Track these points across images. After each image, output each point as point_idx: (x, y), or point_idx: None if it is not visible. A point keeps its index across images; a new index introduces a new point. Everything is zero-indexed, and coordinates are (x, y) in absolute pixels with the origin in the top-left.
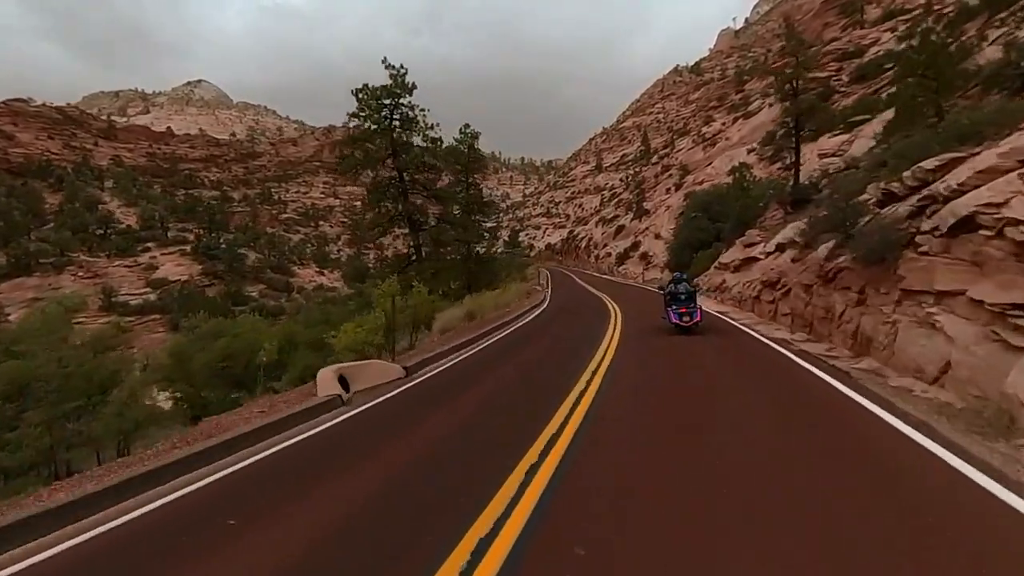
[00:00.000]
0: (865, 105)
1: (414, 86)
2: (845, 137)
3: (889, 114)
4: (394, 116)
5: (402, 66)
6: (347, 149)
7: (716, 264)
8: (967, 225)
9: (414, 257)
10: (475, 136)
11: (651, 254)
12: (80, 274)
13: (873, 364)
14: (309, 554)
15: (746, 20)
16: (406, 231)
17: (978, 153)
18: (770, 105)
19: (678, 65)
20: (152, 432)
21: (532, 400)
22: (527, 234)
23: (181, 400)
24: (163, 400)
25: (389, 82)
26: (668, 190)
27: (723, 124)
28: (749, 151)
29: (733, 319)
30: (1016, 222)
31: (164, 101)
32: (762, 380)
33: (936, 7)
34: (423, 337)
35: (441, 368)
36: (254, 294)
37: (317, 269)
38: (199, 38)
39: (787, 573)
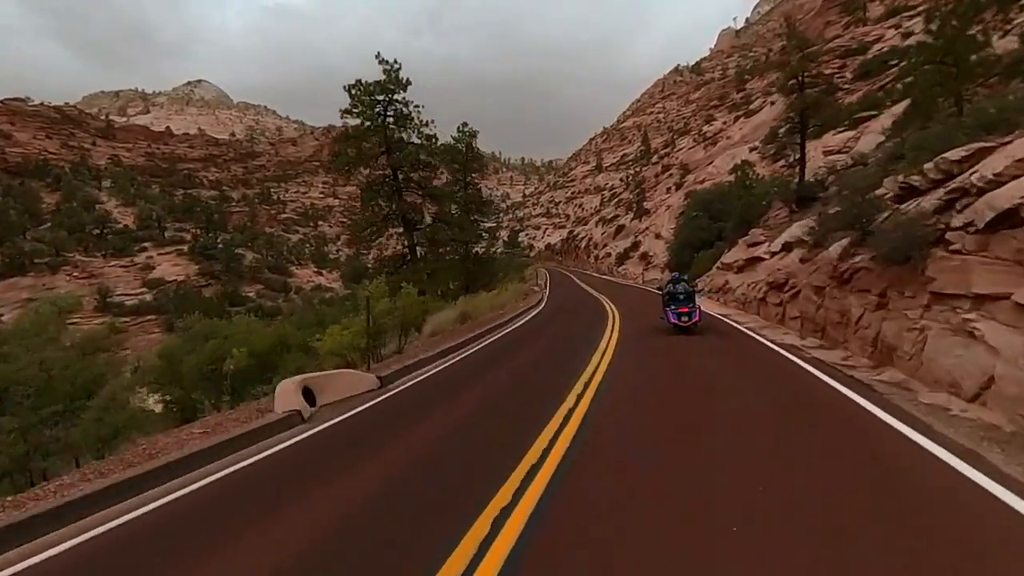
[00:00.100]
0: (871, 101)
1: (408, 82)
2: (851, 133)
3: (899, 109)
4: (388, 113)
5: (396, 61)
6: (340, 146)
7: (718, 264)
8: (1009, 219)
9: (409, 257)
10: (473, 135)
11: (651, 254)
12: (75, 274)
13: (897, 376)
14: None
15: (747, 20)
16: (401, 230)
17: (1009, 142)
18: (772, 103)
19: (679, 65)
20: (135, 437)
21: (517, 416)
22: (527, 234)
23: (171, 403)
24: (154, 403)
25: (383, 78)
26: (668, 189)
27: (724, 123)
28: (751, 149)
29: (737, 322)
30: None
31: (164, 101)
32: (773, 395)
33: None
34: (413, 340)
35: (422, 377)
36: (251, 294)
37: (315, 269)
38: (200, 38)
39: None
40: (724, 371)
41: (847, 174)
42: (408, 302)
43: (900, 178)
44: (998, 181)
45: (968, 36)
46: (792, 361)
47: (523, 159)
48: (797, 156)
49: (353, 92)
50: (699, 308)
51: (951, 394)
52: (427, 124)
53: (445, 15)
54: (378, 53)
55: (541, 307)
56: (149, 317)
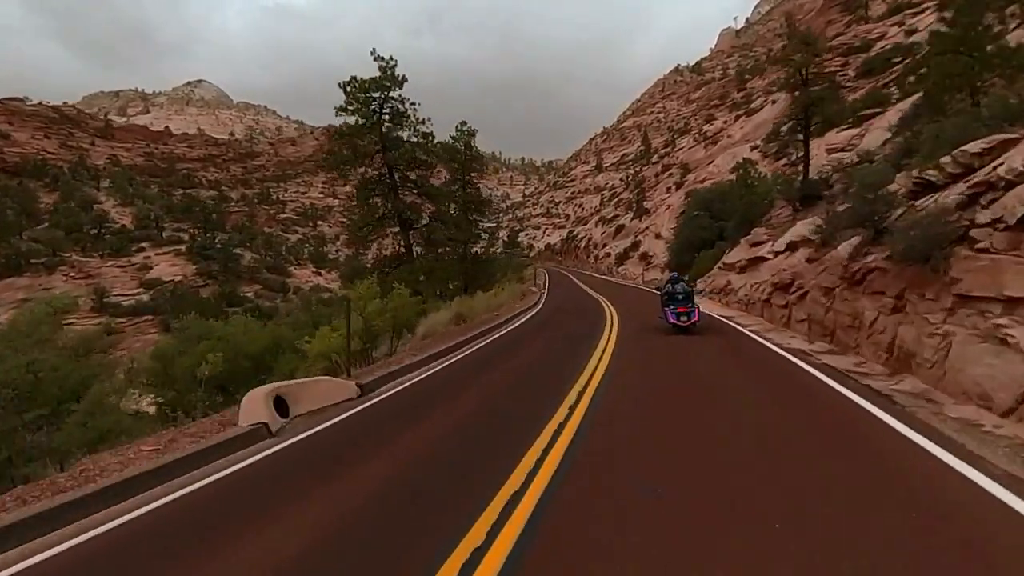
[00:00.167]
0: (876, 98)
1: (404, 79)
2: (855, 131)
3: (906, 105)
4: (383, 110)
5: (391, 58)
6: (334, 144)
7: (720, 264)
8: None
9: (405, 257)
10: (471, 133)
11: (651, 254)
12: (72, 274)
13: (918, 385)
14: None
15: (747, 20)
16: (397, 230)
17: None
18: (773, 102)
19: (679, 65)
20: (123, 440)
21: (500, 434)
22: (527, 234)
23: (164, 405)
24: (147, 405)
25: (378, 74)
26: (669, 189)
27: (725, 122)
28: (752, 148)
29: (741, 325)
30: None
31: (164, 101)
32: (782, 407)
33: None
34: (405, 342)
35: (405, 385)
36: (249, 294)
37: (314, 269)
38: (200, 38)
39: None
40: (729, 381)
41: (855, 171)
42: (400, 303)
43: (915, 173)
44: None
45: (984, 25)
46: (801, 368)
47: (523, 159)
48: (800, 154)
49: (348, 89)
50: (698, 308)
51: (981, 407)
52: (423, 122)
53: (445, 15)
54: (373, 49)
55: (538, 308)
56: (146, 318)
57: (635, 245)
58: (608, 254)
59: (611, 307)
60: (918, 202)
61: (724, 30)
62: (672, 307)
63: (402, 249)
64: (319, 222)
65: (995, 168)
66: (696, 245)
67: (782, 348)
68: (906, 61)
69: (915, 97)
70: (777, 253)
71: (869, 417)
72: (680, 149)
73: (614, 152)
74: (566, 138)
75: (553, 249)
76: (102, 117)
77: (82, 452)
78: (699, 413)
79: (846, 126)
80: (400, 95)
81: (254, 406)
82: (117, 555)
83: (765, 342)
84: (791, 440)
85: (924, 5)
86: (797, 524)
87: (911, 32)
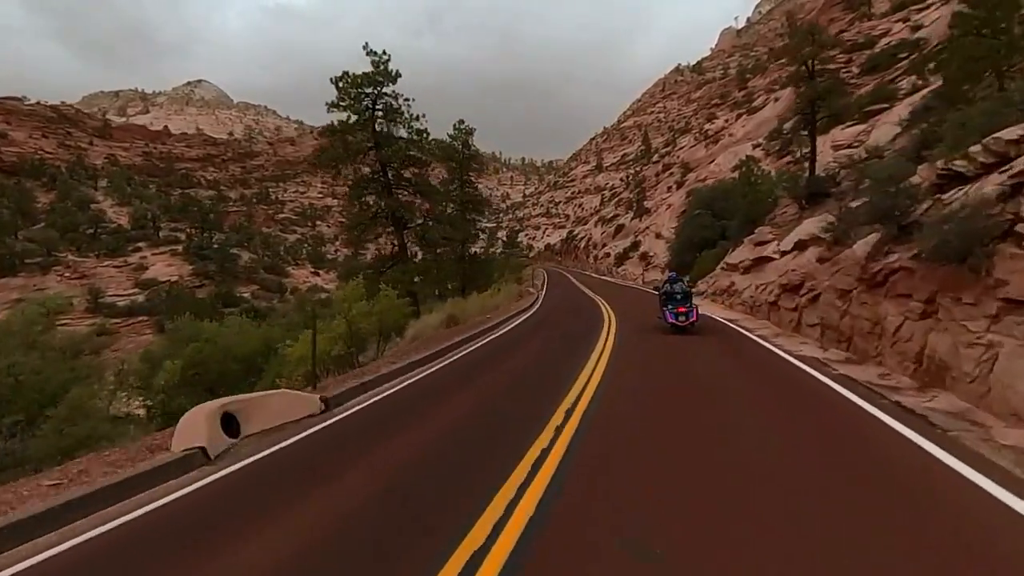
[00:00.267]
0: (883, 93)
1: (398, 74)
2: (861, 127)
3: (916, 98)
4: (376, 106)
5: (384, 52)
6: (326, 141)
7: (723, 264)
8: None
9: (398, 257)
10: (469, 132)
11: (651, 254)
12: (67, 275)
13: (957, 403)
14: None
15: (748, 20)
16: (392, 229)
17: None
18: (776, 99)
19: (680, 64)
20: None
21: (476, 460)
22: (526, 234)
23: (152, 408)
24: (137, 408)
25: (370, 69)
26: (669, 188)
27: (726, 121)
28: (755, 146)
29: (747, 329)
30: None
31: (164, 101)
32: (800, 429)
33: None
34: (393, 345)
35: (378, 398)
36: (246, 295)
37: (312, 269)
38: (200, 38)
39: None
40: (737, 395)
41: (868, 166)
42: (386, 305)
43: (940, 164)
44: None
45: (1011, 2)
46: (817, 380)
47: (523, 159)
48: (806, 150)
49: (340, 85)
50: (696, 308)
51: None
52: (418, 118)
53: (446, 16)
54: (366, 44)
55: (534, 310)
56: (141, 318)
57: (635, 245)
58: (608, 254)
59: (609, 309)
60: (945, 195)
61: (725, 30)
62: (671, 307)
63: (394, 248)
64: (318, 222)
65: None
66: (698, 244)
67: (793, 356)
68: (912, 56)
69: (927, 90)
70: (784, 253)
71: (905, 443)
72: (681, 148)
73: (614, 152)
74: (566, 138)
75: (553, 249)
76: (100, 116)
77: (56, 461)
78: (707, 449)
79: (852, 122)
80: (394, 91)
81: (193, 427)
82: None
83: (774, 348)
84: (819, 480)
85: (930, 0)
86: None
87: (917, 28)
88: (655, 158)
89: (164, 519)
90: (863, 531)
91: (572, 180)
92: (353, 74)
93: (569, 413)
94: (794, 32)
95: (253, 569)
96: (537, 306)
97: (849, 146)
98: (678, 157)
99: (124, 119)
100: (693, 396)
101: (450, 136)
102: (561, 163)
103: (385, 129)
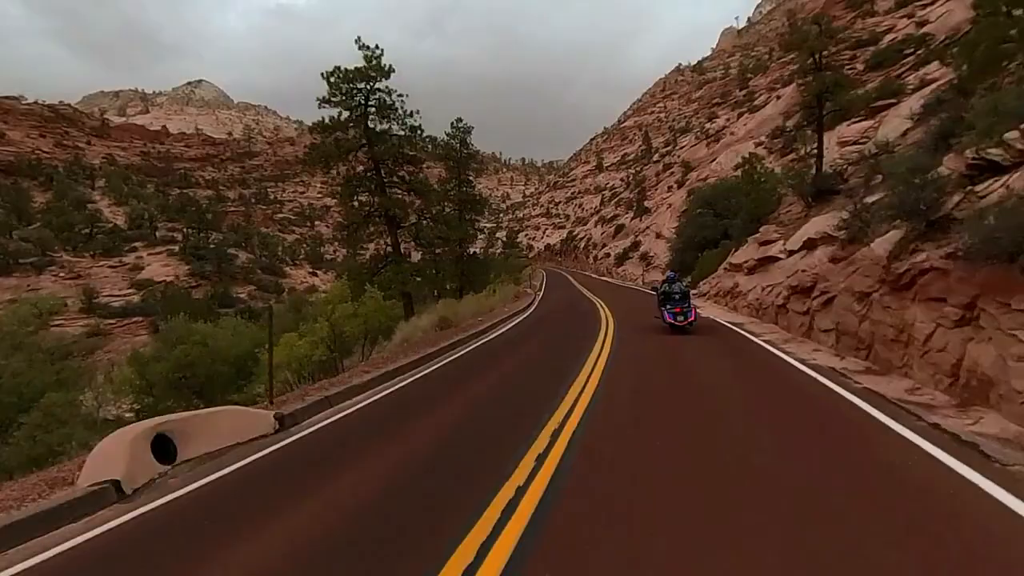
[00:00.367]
0: (890, 88)
1: (391, 69)
2: (869, 123)
3: (927, 91)
4: (368, 102)
5: (377, 46)
6: (316, 137)
7: (725, 265)
8: None
9: (391, 258)
10: (467, 131)
11: (652, 254)
12: (61, 275)
13: (1008, 427)
14: None
15: (748, 19)
16: (384, 228)
17: None
18: (778, 97)
19: (680, 64)
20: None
21: (446, 492)
22: (526, 235)
23: (140, 412)
24: (127, 411)
25: (363, 64)
26: (670, 188)
27: (727, 120)
28: (757, 145)
29: (753, 333)
30: None
31: (164, 101)
32: (824, 460)
33: None
34: (380, 349)
35: (343, 414)
36: (243, 295)
37: (310, 270)
38: (202, 39)
39: None
40: (746, 412)
41: (883, 159)
42: (372, 307)
43: (970, 153)
44: None
45: None
46: (838, 394)
47: (524, 159)
48: (813, 146)
49: (331, 80)
50: (695, 308)
51: None
52: (411, 115)
53: (448, 18)
54: (358, 38)
55: (530, 311)
56: (136, 319)
57: (635, 245)
58: (607, 254)
59: (608, 312)
60: (978, 187)
61: (726, 30)
62: (669, 307)
63: (387, 248)
64: (316, 222)
65: None
66: (699, 244)
67: (807, 365)
68: (918, 51)
69: (936, 84)
70: (791, 252)
71: (959, 481)
72: (682, 147)
73: (615, 152)
74: (567, 138)
75: (552, 250)
76: (98, 116)
77: (27, 471)
78: (714, 482)
79: (858, 118)
80: (387, 86)
81: (109, 455)
82: None
83: (785, 356)
84: (868, 551)
85: None
86: None
87: (922, 23)
88: (655, 157)
89: None
90: None
91: (572, 180)
92: (345, 69)
93: (555, 435)
94: (797, 27)
95: None
96: (533, 308)
97: (856, 142)
98: (679, 156)
99: (124, 119)
100: (698, 422)
101: (447, 135)
102: (561, 163)
103: (378, 126)
